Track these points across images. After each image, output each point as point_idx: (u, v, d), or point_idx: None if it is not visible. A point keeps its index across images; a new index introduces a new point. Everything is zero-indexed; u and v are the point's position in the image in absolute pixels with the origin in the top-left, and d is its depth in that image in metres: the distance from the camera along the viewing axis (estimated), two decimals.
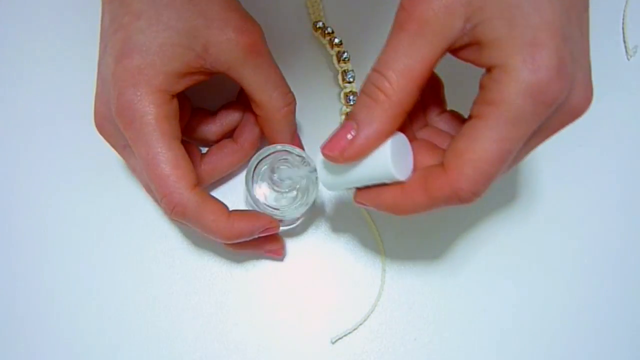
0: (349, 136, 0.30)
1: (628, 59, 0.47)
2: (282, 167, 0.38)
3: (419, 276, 0.42)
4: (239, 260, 0.42)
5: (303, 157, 0.37)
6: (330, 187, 0.35)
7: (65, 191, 0.43)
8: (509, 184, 0.44)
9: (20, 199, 0.43)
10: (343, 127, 0.30)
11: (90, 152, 0.43)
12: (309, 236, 0.43)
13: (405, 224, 0.43)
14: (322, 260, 0.42)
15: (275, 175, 0.37)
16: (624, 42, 0.47)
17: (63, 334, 0.41)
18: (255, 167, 0.38)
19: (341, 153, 0.30)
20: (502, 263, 0.42)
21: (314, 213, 0.43)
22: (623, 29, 0.47)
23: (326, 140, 0.31)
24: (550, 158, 0.45)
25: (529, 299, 0.42)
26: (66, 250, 0.42)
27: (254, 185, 0.38)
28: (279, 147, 0.38)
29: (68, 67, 0.44)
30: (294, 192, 0.39)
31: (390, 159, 0.30)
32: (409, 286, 0.42)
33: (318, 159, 0.34)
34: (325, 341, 0.41)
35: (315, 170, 0.35)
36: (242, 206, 0.43)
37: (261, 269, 0.42)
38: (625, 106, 0.46)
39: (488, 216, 0.43)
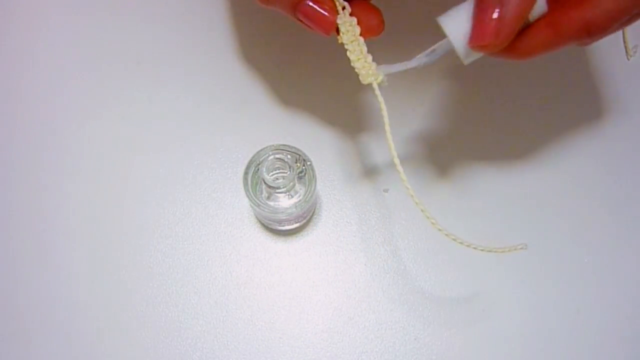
0: (495, 14, 0.26)
1: (628, 59, 0.47)
2: (277, 175, 0.38)
3: (419, 276, 0.42)
4: (238, 260, 0.42)
5: (299, 155, 0.37)
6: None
7: (65, 190, 0.44)
8: (509, 182, 0.44)
9: (20, 197, 0.44)
10: (481, 9, 0.26)
11: (92, 150, 0.44)
12: (309, 236, 0.43)
13: (405, 223, 0.43)
14: (322, 260, 0.43)
15: (270, 178, 0.37)
16: (624, 42, 0.47)
17: (62, 334, 0.41)
18: (252, 172, 0.38)
19: (496, 35, 0.26)
20: (502, 263, 0.42)
21: (314, 213, 0.43)
22: (623, 29, 0.47)
23: (469, 32, 0.27)
24: (550, 157, 0.44)
25: (529, 299, 0.42)
26: (66, 249, 0.42)
27: (256, 187, 0.38)
28: (272, 148, 0.38)
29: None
30: (293, 192, 0.39)
31: None
32: (408, 285, 0.42)
33: (450, 31, 0.28)
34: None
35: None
36: (244, 210, 0.43)
37: (261, 269, 0.42)
38: (625, 106, 0.46)
39: (487, 217, 0.43)
